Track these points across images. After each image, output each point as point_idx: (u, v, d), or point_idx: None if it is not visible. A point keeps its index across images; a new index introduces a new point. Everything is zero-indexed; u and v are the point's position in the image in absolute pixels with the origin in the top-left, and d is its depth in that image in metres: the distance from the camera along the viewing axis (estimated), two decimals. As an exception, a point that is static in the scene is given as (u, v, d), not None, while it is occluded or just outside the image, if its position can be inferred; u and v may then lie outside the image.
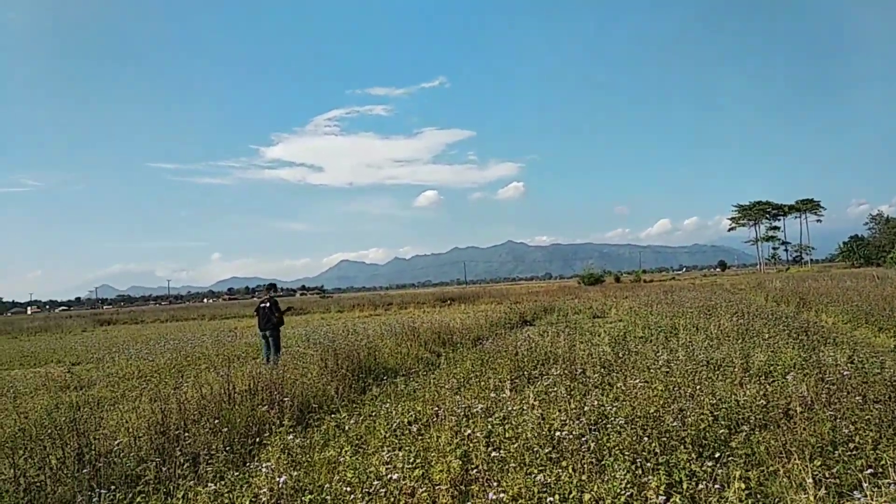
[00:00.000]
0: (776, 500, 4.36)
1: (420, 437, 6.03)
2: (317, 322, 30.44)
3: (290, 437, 6.20)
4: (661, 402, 6.24)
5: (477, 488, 4.68)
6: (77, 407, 9.06)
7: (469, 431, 5.67)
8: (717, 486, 4.27)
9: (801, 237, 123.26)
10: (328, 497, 4.66)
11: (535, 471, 4.66)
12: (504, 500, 4.26)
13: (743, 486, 4.21)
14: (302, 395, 8.36)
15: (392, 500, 4.50)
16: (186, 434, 6.42)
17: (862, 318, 15.14)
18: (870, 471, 4.25)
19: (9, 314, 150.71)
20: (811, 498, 4.01)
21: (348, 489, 4.68)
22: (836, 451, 4.85)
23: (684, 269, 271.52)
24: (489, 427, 5.81)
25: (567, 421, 5.66)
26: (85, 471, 5.47)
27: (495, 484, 4.59)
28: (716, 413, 5.94)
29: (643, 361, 9.20)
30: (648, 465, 4.61)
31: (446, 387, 8.43)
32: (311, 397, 8.50)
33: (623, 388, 7.17)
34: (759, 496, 4.45)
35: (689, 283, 52.95)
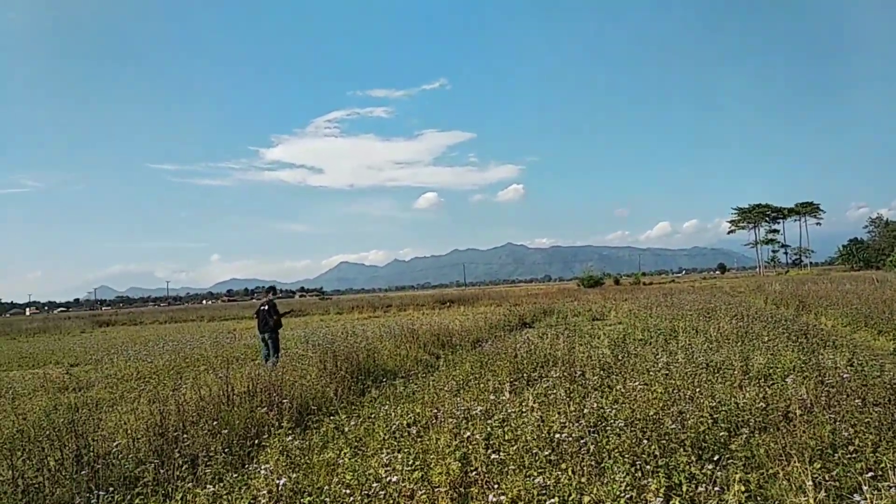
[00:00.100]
0: (776, 502, 4.36)
1: (419, 440, 6.02)
2: (316, 324, 30.43)
3: (289, 438, 6.20)
4: (661, 405, 6.23)
5: (476, 490, 4.68)
6: (75, 408, 9.05)
7: (468, 434, 5.66)
8: (716, 488, 4.26)
9: (801, 240, 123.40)
10: (327, 499, 4.65)
11: (535, 473, 4.66)
12: (503, 502, 4.25)
13: (742, 488, 4.21)
14: (301, 397, 8.35)
15: (391, 502, 4.49)
16: (185, 436, 6.41)
17: (861, 321, 15.14)
18: (870, 474, 4.25)
19: (7, 315, 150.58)
20: (811, 500, 4.01)
21: (347, 491, 4.67)
22: (836, 454, 4.84)
23: (684, 272, 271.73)
24: (488, 429, 5.80)
25: (566, 423, 5.65)
26: (83, 472, 5.45)
27: (495, 486, 4.58)
28: (715, 416, 5.93)
29: (643, 364, 9.19)
30: (648, 467, 4.60)
31: (445, 389, 8.42)
32: (310, 399, 8.49)
33: (622, 390, 7.17)
34: (758, 499, 4.44)
35: (689, 286, 52.97)
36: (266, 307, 13.18)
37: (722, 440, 5.37)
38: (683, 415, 5.82)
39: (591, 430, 5.52)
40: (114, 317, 56.57)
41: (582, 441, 5.10)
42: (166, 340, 21.07)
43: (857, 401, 5.97)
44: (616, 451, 4.96)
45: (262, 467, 5.20)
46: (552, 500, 4.17)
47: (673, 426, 5.41)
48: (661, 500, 4.08)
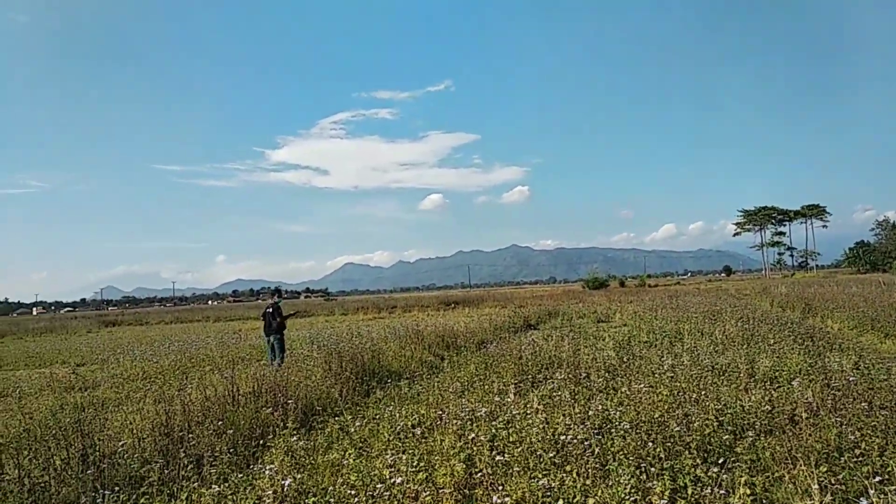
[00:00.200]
0: (781, 506, 4.34)
1: (424, 441, 6.02)
2: (321, 325, 30.48)
3: (294, 439, 6.21)
4: (666, 407, 6.22)
5: (481, 492, 4.68)
6: (82, 408, 9.09)
7: (473, 435, 5.65)
8: (722, 491, 4.24)
9: (807, 243, 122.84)
10: (332, 500, 4.66)
11: (540, 475, 4.65)
12: (508, 503, 4.25)
13: (748, 491, 4.20)
14: (306, 398, 8.37)
15: (396, 503, 4.49)
16: (190, 436, 6.43)
17: (868, 324, 15.07)
18: (877, 478, 4.22)
19: (14, 315, 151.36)
20: (817, 504, 3.99)
21: (352, 492, 4.68)
22: (842, 458, 4.82)
23: (689, 274, 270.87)
24: (493, 431, 5.79)
25: (571, 425, 5.64)
26: (89, 472, 5.48)
27: (499, 488, 4.58)
28: (721, 418, 5.92)
29: (648, 366, 9.17)
30: (653, 469, 4.59)
31: (450, 390, 8.42)
32: (315, 400, 8.51)
33: (628, 392, 7.15)
34: (764, 502, 4.43)
35: (694, 288, 52.82)
36: (271, 309, 13.29)
37: (727, 443, 5.35)
38: (689, 417, 5.80)
39: (596, 432, 5.51)
40: (120, 317, 56.79)
41: (587, 443, 5.09)
42: (172, 340, 21.13)
43: (863, 404, 5.94)
44: (621, 453, 4.95)
45: (267, 468, 5.21)
46: (557, 502, 4.17)
47: (678, 429, 5.39)
48: (666, 502, 4.07)
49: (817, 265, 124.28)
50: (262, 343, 15.25)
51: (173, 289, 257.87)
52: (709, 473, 4.50)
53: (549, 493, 4.34)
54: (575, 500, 4.28)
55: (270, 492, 4.71)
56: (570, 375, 8.69)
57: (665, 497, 4.15)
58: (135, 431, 6.69)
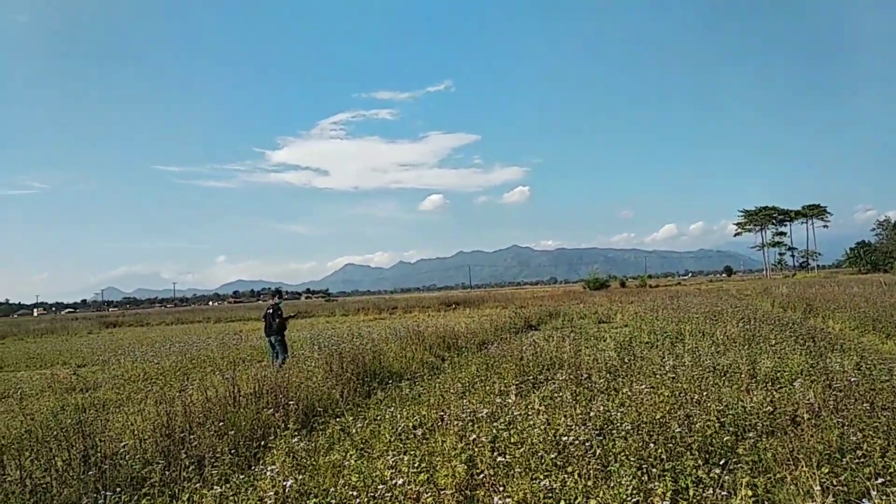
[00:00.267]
0: (783, 507, 4.33)
1: (425, 442, 6.02)
2: (322, 326, 30.48)
3: (295, 440, 6.21)
4: (668, 408, 6.21)
5: (482, 493, 4.67)
6: (83, 409, 9.10)
7: (474, 436, 5.65)
8: (723, 492, 4.24)
9: (808, 243, 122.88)
10: (333, 501, 4.66)
11: (541, 476, 4.65)
12: (509, 505, 4.25)
13: (750, 493, 4.19)
14: (307, 399, 8.37)
15: (397, 504, 4.50)
16: (192, 437, 6.43)
17: (869, 324, 15.06)
18: (879, 479, 4.22)
19: (15, 316, 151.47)
20: (819, 505, 3.98)
21: (353, 493, 4.68)
22: (844, 459, 4.81)
23: (690, 275, 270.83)
24: (494, 432, 5.79)
25: (573, 426, 5.64)
26: (90, 473, 5.49)
27: (501, 489, 4.58)
28: (722, 419, 5.91)
29: (649, 367, 9.16)
30: (654, 471, 4.59)
31: (451, 391, 8.42)
32: (317, 401, 8.51)
33: (629, 393, 7.14)
34: (766, 503, 4.42)
35: (695, 289, 52.78)
36: (271, 310, 13.37)
37: (729, 444, 5.35)
38: (690, 418, 5.79)
39: (598, 433, 5.50)
40: (121, 318, 56.82)
41: (588, 444, 5.09)
42: (173, 341, 21.13)
43: (865, 405, 5.94)
44: (622, 454, 4.95)
45: (269, 468, 5.21)
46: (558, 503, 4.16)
47: (679, 430, 5.39)
48: (668, 503, 4.07)
49: (818, 265, 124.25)
50: (262, 344, 15.27)
51: (174, 290, 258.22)
52: (710, 475, 4.50)
53: (550, 495, 4.34)
54: (576, 502, 4.28)
55: (272, 493, 4.72)
56: (572, 376, 8.69)
57: (667, 498, 4.15)
58: (136, 432, 6.69)
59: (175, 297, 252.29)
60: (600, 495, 4.29)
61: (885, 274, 66.75)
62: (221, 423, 6.82)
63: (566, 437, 5.29)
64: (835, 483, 4.34)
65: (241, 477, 5.38)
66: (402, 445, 5.98)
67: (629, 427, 5.49)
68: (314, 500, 4.69)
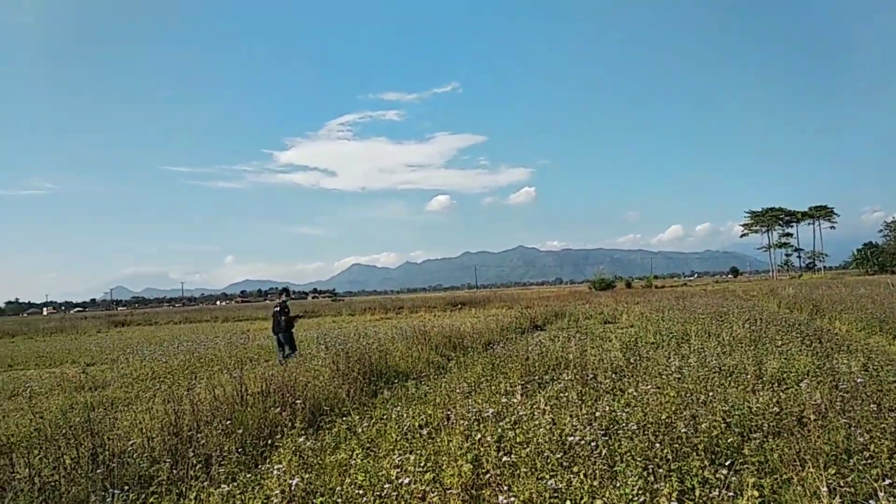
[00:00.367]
0: (790, 508, 4.32)
1: (431, 441, 6.03)
2: (328, 325, 30.55)
3: (302, 439, 6.23)
4: (674, 409, 6.20)
5: (488, 493, 4.68)
6: (91, 407, 9.16)
7: (480, 436, 5.66)
8: (730, 493, 4.23)
9: (815, 244, 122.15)
10: (339, 500, 4.67)
11: (547, 476, 4.66)
12: (515, 504, 4.26)
13: (756, 493, 4.18)
14: (314, 398, 8.40)
15: (403, 503, 4.51)
16: (199, 435, 6.47)
17: (876, 325, 14.98)
18: (886, 480, 4.21)
19: (25, 315, 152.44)
20: (825, 506, 3.98)
21: (359, 492, 4.70)
22: (851, 460, 4.80)
23: (696, 276, 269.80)
24: (500, 432, 5.80)
25: (578, 426, 5.64)
26: (99, 471, 5.52)
27: (506, 489, 4.59)
28: (728, 420, 5.89)
29: (655, 367, 9.15)
30: (660, 471, 4.58)
31: (457, 391, 8.43)
32: (323, 400, 8.54)
33: (635, 394, 7.14)
34: (772, 504, 4.41)
35: (701, 290, 52.61)
36: (278, 308, 13.47)
37: (735, 445, 5.34)
38: (696, 419, 5.79)
39: (603, 433, 5.50)
40: (129, 317, 57.11)
41: (594, 444, 5.09)
42: (181, 340, 21.24)
43: (872, 406, 5.92)
44: (628, 454, 4.94)
45: (275, 467, 5.23)
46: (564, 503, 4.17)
47: (685, 430, 5.39)
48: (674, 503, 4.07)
49: (825, 266, 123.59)
50: (270, 343, 15.33)
51: (182, 289, 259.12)
52: (717, 475, 4.49)
53: (556, 495, 4.34)
54: (582, 502, 4.28)
55: (278, 491, 4.74)
56: (577, 376, 8.68)
57: (673, 499, 4.14)
58: (144, 431, 6.73)
59: (183, 296, 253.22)
60: (606, 495, 4.29)
61: (893, 275, 66.30)
62: (229, 422, 6.86)
63: (572, 437, 5.30)
64: (842, 484, 4.32)
65: (248, 475, 5.40)
66: (408, 445, 6.00)
67: (635, 427, 5.49)
68: (320, 498, 4.71)
